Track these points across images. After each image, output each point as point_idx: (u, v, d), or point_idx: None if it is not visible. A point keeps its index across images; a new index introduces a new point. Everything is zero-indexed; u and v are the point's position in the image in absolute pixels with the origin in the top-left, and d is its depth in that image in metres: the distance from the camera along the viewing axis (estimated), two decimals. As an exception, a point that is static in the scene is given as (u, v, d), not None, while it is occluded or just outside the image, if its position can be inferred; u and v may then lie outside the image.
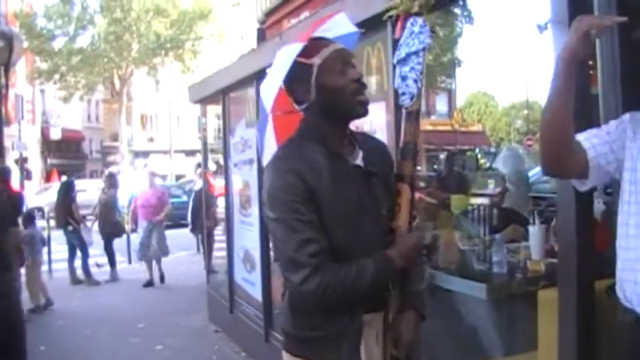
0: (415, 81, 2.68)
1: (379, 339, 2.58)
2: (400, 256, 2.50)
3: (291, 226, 2.40)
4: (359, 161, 2.59)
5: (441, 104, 42.86)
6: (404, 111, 2.75)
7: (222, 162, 9.52)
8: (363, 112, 2.56)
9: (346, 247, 2.46)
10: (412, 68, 2.68)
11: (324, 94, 2.51)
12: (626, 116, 2.45)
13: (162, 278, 11.46)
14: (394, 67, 2.87)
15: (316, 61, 2.50)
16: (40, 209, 16.77)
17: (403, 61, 2.70)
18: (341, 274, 2.39)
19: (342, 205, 2.46)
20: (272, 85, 2.59)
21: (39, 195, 28.98)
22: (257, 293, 7.13)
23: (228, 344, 8.19)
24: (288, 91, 2.60)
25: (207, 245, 10.47)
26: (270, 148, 2.78)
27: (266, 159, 2.79)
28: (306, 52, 2.50)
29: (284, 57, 2.53)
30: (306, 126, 2.60)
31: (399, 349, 2.56)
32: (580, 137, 2.41)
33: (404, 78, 2.69)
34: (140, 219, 11.85)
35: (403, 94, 2.71)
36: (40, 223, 11.79)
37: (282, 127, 2.79)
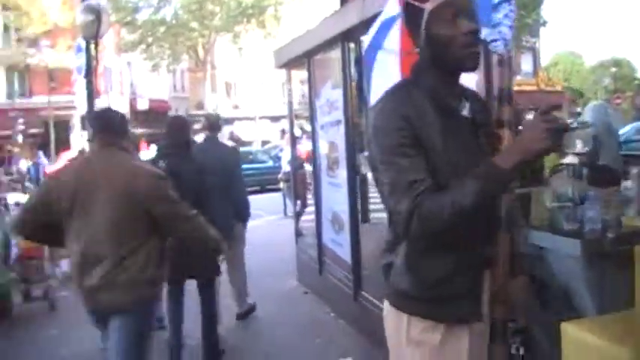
0: (510, 27, 2.62)
1: (484, 296, 2.55)
2: (516, 151, 2.21)
3: (398, 168, 2.33)
4: (466, 112, 2.54)
5: (525, 64, 41.99)
6: (497, 57, 2.70)
7: (306, 127, 9.57)
8: (473, 66, 2.48)
9: None
10: (505, 15, 2.62)
11: (432, 43, 2.45)
12: None
13: None
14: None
15: (428, 6, 2.42)
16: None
17: (494, 8, 2.65)
18: (436, 206, 2.25)
19: (450, 157, 2.40)
20: (386, 23, 2.58)
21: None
22: (345, 254, 7.18)
23: (317, 305, 8.31)
24: (407, 30, 2.55)
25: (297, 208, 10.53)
26: (386, 87, 2.74)
27: (373, 98, 2.78)
28: None
29: None
30: (418, 72, 2.55)
31: (511, 313, 2.55)
32: None
33: (495, 25, 2.63)
34: None
35: (495, 40, 2.65)
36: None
37: (406, 68, 2.77)
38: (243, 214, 7.55)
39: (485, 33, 2.76)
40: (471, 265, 2.46)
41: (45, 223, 4.11)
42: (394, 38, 2.71)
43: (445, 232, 2.32)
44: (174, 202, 4.17)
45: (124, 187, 3.97)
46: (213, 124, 7.73)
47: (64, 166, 4.40)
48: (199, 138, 8.40)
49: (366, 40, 3.15)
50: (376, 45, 3.00)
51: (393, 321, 2.62)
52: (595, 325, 3.82)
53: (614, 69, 52.02)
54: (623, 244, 3.87)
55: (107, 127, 4.24)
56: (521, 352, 2.56)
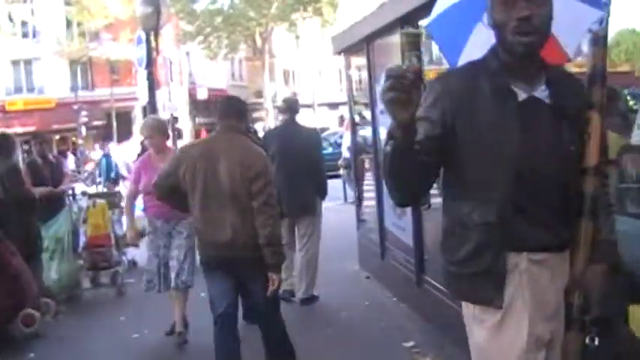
0: (606, 4, 2.56)
1: (554, 279, 2.51)
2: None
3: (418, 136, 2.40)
4: (539, 93, 2.50)
5: (585, 45, 41.22)
6: (591, 36, 2.64)
7: (364, 114, 9.56)
8: (523, 53, 2.43)
9: (498, 186, 2.43)
10: None
11: (493, 24, 2.48)
12: None
13: None
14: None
15: None
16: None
17: None
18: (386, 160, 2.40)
19: (498, 146, 2.41)
20: None
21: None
22: (408, 238, 7.17)
23: (379, 290, 8.33)
24: None
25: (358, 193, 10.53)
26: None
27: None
28: None
29: None
30: (491, 52, 2.56)
31: (588, 301, 2.50)
32: None
33: (593, 2, 2.57)
34: None
35: None
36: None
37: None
38: (323, 190, 8.15)
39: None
40: (491, 247, 2.46)
41: (174, 189, 5.09)
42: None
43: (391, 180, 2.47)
44: (269, 183, 4.97)
45: (240, 161, 4.89)
46: (292, 107, 8.20)
47: (192, 142, 5.93)
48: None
49: (440, 9, 3.12)
50: (472, 17, 2.97)
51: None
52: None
53: (679, 48, 50.68)
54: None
55: (229, 113, 5.18)
56: (596, 342, 2.48)
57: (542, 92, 2.51)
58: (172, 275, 6.65)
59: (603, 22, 2.55)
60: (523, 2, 2.38)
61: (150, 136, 6.84)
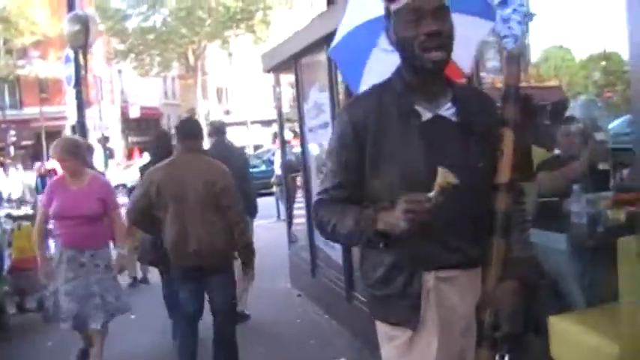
0: (519, 23, 2.58)
1: (464, 296, 2.52)
2: (383, 220, 2.37)
3: (328, 171, 2.59)
4: (444, 111, 2.51)
5: (494, 60, 42.00)
6: (506, 54, 2.67)
7: (298, 130, 9.58)
8: (433, 69, 2.44)
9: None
10: (515, 10, 2.56)
11: (397, 43, 2.48)
12: None
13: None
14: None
15: (393, 6, 2.45)
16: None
17: (504, 3, 2.60)
18: (327, 217, 2.56)
19: (405, 166, 2.43)
20: (377, 22, 2.62)
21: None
22: (338, 256, 7.19)
23: (310, 307, 8.34)
24: None
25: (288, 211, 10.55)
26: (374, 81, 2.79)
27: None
28: None
29: None
30: (395, 73, 2.58)
31: (499, 319, 2.50)
32: None
33: (506, 20, 2.60)
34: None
35: (505, 37, 2.62)
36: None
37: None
38: (253, 208, 8.09)
39: (497, 29, 2.73)
40: (404, 268, 2.48)
41: (145, 213, 5.48)
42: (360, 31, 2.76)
43: (329, 239, 2.69)
44: (235, 194, 5.49)
45: (204, 179, 5.34)
46: (219, 129, 8.39)
47: (157, 166, 5.64)
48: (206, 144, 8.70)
49: (340, 36, 3.17)
50: (368, 43, 3.02)
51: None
52: (581, 318, 3.86)
53: (603, 63, 52.00)
54: (609, 237, 3.90)
55: (188, 134, 5.60)
56: (506, 359, 2.52)
57: (447, 110, 2.52)
58: (93, 314, 5.96)
59: (518, 40, 2.58)
60: (429, 18, 2.39)
61: (61, 159, 6.05)
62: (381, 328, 2.60)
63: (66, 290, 5.98)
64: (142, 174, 7.72)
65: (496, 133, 2.54)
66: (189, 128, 5.71)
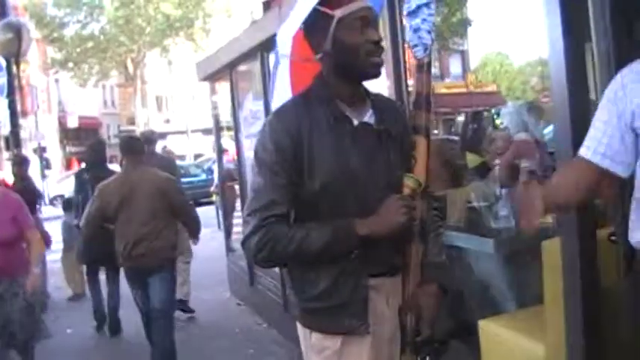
0: (428, 32, 2.62)
1: (390, 303, 2.55)
2: (371, 223, 2.43)
3: (265, 185, 2.45)
4: (368, 118, 2.56)
5: (454, 66, 42.46)
6: (415, 63, 2.71)
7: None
8: (376, 74, 2.53)
9: (349, 210, 2.45)
10: (424, 20, 2.61)
11: (339, 50, 2.48)
12: (620, 79, 2.38)
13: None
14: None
15: (338, 13, 2.46)
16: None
17: (413, 13, 2.64)
18: (287, 237, 2.41)
19: (342, 169, 2.45)
20: (289, 29, 2.60)
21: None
22: (274, 264, 7.18)
23: (250, 317, 8.33)
24: (306, 36, 2.60)
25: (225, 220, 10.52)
26: (283, 94, 2.81)
27: (275, 105, 2.83)
28: (330, 2, 2.47)
29: (307, 1, 2.52)
30: (318, 82, 2.59)
31: (420, 324, 2.54)
32: (587, 156, 2.38)
33: (416, 30, 2.64)
34: None
35: (415, 45, 2.66)
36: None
37: (299, 75, 2.80)
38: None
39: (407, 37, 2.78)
40: (350, 277, 2.47)
41: (99, 225, 6.08)
42: (288, 43, 2.76)
43: (279, 261, 2.61)
44: (183, 195, 6.38)
45: (156, 187, 5.88)
46: (148, 139, 8.62)
47: (108, 180, 6.12)
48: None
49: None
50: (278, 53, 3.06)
51: (300, 329, 2.67)
52: (510, 321, 3.93)
53: (540, 68, 52.85)
54: (536, 240, 3.97)
55: (134, 150, 6.12)
56: None
57: (370, 118, 2.57)
58: (11, 341, 5.53)
59: (428, 49, 2.63)
60: (372, 28, 2.50)
61: None
62: (312, 340, 2.57)
63: None
64: (77, 180, 8.46)
65: (409, 140, 2.60)
66: (132, 144, 6.27)
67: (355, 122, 2.53)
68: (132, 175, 5.98)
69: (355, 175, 2.47)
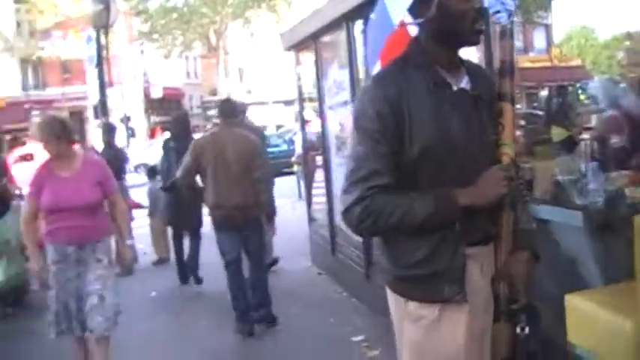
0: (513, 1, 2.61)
1: (484, 271, 2.54)
2: (472, 193, 2.43)
3: (366, 154, 2.43)
4: (464, 84, 2.57)
5: (538, 40, 41.62)
6: (498, 29, 2.70)
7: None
8: (477, 41, 2.57)
9: (448, 177, 2.46)
10: None
11: (444, 15, 2.47)
12: None
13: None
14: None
15: None
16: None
17: None
18: (391, 207, 2.39)
19: (442, 134, 2.45)
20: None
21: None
22: (357, 234, 7.19)
23: (331, 286, 8.40)
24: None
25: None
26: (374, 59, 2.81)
27: (375, 70, 2.83)
28: None
29: None
30: (416, 47, 2.59)
31: (514, 290, 2.52)
32: None
33: None
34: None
35: (498, 12, 2.64)
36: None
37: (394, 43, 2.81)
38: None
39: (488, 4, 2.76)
40: (449, 245, 2.46)
41: (193, 175, 6.79)
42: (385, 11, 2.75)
43: (381, 232, 2.54)
44: (261, 161, 6.84)
45: (240, 147, 6.65)
46: (239, 109, 8.68)
47: (202, 136, 7.26)
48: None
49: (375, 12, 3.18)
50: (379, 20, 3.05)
51: (392, 297, 2.66)
52: (598, 297, 3.86)
53: (627, 43, 51.28)
54: (626, 215, 3.90)
55: (228, 112, 6.98)
56: (526, 331, 2.51)
57: (466, 84, 2.57)
58: (93, 316, 5.23)
59: (512, 15, 2.60)
60: None
61: (45, 142, 5.29)
62: (408, 308, 2.56)
63: (65, 294, 5.27)
64: (163, 149, 9.11)
65: (497, 107, 2.60)
66: (228, 107, 7.10)
67: (454, 88, 2.53)
68: (224, 133, 6.81)
69: (455, 140, 2.47)
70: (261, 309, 7.01)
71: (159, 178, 10.60)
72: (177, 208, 8.75)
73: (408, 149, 2.44)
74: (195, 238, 9.17)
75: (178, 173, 6.98)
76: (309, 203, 10.11)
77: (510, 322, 2.52)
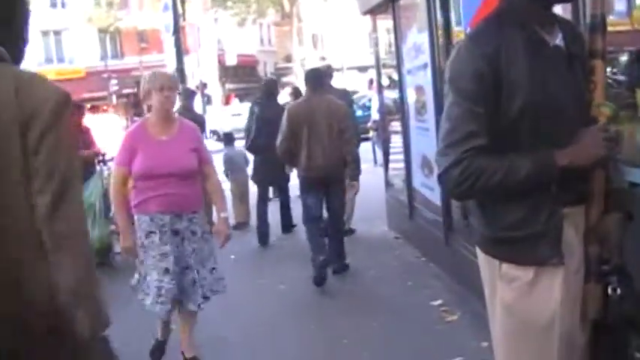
0: None
1: (579, 232, 2.47)
2: (571, 154, 2.36)
3: (462, 114, 2.38)
4: (559, 41, 2.49)
5: (618, 3, 40.45)
6: None
7: (394, 76, 9.51)
8: None
9: (546, 136, 2.40)
10: None
11: None
12: None
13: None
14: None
15: None
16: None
17: None
18: (489, 170, 2.34)
19: (542, 92, 2.39)
20: None
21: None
22: (436, 198, 7.16)
23: (408, 250, 8.38)
24: None
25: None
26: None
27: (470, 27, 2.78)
28: None
29: None
30: (509, 4, 2.52)
31: (608, 250, 2.45)
32: None
33: None
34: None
35: None
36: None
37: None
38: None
39: None
40: (545, 206, 2.40)
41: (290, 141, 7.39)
42: None
43: (478, 195, 2.48)
44: (350, 122, 7.66)
45: (330, 112, 7.35)
46: (326, 73, 9.35)
47: (295, 103, 8.10)
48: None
49: None
50: None
51: (484, 259, 2.62)
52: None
53: None
54: None
55: (316, 80, 7.67)
56: (618, 292, 2.42)
57: (560, 41, 2.50)
58: (192, 291, 5.03)
59: None
60: None
61: (170, 89, 5.02)
62: (501, 270, 2.50)
63: (163, 268, 4.92)
64: (249, 113, 10.02)
65: (588, 64, 2.50)
66: (315, 75, 7.83)
67: (550, 45, 2.47)
68: (311, 99, 7.53)
69: (554, 97, 2.40)
70: (338, 261, 7.68)
71: (236, 144, 10.85)
72: (265, 168, 9.48)
73: (505, 108, 2.38)
74: (284, 193, 10.25)
75: (278, 141, 7.51)
76: (387, 168, 10.09)
77: (601, 282, 2.45)
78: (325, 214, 7.78)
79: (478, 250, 2.65)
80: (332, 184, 7.43)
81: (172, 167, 4.89)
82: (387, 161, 10.19)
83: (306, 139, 7.28)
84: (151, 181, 4.90)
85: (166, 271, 4.91)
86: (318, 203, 7.55)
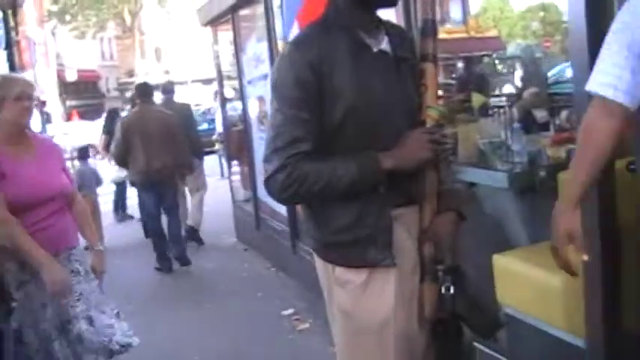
0: None
1: (411, 233, 2.49)
2: (396, 157, 2.39)
3: (287, 121, 2.35)
4: (385, 46, 2.49)
5: (455, 11, 42.04)
6: None
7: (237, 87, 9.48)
8: (394, 2, 2.52)
9: (371, 140, 2.40)
10: None
11: None
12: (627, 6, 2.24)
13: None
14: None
15: None
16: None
17: None
18: (314, 174, 2.33)
19: (366, 97, 2.38)
20: None
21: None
22: (282, 207, 7.15)
23: (257, 260, 8.36)
24: None
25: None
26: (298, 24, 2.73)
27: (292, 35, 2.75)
28: None
29: None
30: (333, 9, 2.51)
31: (440, 251, 2.49)
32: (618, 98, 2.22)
33: None
34: None
35: None
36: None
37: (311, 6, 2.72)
38: (199, 150, 9.82)
39: None
40: (374, 208, 2.41)
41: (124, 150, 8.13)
42: None
43: (304, 199, 2.49)
44: (179, 128, 8.44)
45: (161, 122, 8.18)
46: (166, 89, 10.39)
47: (129, 115, 8.74)
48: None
49: None
50: None
51: (320, 263, 2.61)
52: (526, 255, 3.89)
53: (542, 13, 52.36)
54: (550, 174, 3.93)
55: (146, 94, 8.51)
56: (451, 291, 2.47)
57: (386, 45, 2.50)
58: (81, 349, 3.83)
59: None
60: None
61: (31, 101, 3.87)
62: (335, 274, 2.50)
63: (43, 325, 3.78)
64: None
65: (418, 68, 2.54)
66: (145, 89, 8.64)
67: (374, 50, 2.47)
68: (145, 110, 8.28)
69: (378, 102, 2.40)
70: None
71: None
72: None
73: (330, 113, 2.37)
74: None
75: (112, 149, 8.51)
76: (231, 180, 10.06)
77: (435, 282, 2.49)
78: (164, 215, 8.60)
79: (315, 256, 2.63)
80: (166, 185, 8.29)
81: (47, 192, 3.81)
82: (231, 173, 10.16)
83: (139, 147, 8.00)
84: (26, 212, 3.71)
85: (49, 332, 3.80)
86: (155, 203, 8.36)
